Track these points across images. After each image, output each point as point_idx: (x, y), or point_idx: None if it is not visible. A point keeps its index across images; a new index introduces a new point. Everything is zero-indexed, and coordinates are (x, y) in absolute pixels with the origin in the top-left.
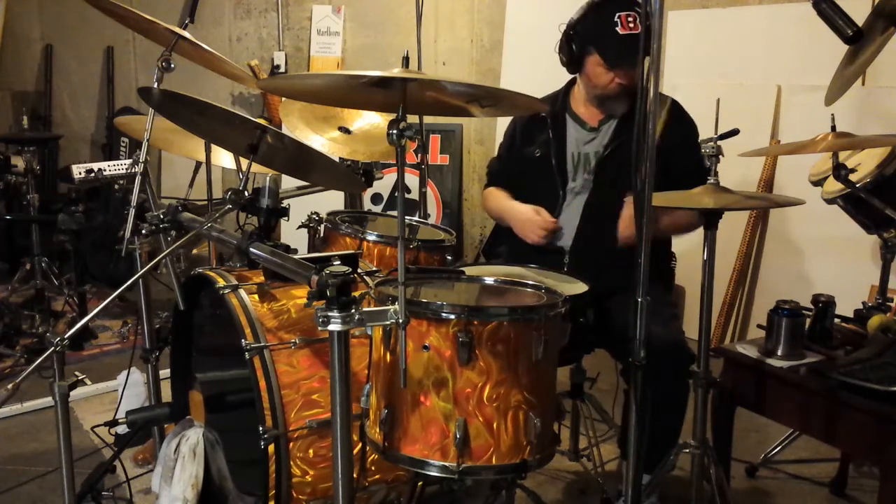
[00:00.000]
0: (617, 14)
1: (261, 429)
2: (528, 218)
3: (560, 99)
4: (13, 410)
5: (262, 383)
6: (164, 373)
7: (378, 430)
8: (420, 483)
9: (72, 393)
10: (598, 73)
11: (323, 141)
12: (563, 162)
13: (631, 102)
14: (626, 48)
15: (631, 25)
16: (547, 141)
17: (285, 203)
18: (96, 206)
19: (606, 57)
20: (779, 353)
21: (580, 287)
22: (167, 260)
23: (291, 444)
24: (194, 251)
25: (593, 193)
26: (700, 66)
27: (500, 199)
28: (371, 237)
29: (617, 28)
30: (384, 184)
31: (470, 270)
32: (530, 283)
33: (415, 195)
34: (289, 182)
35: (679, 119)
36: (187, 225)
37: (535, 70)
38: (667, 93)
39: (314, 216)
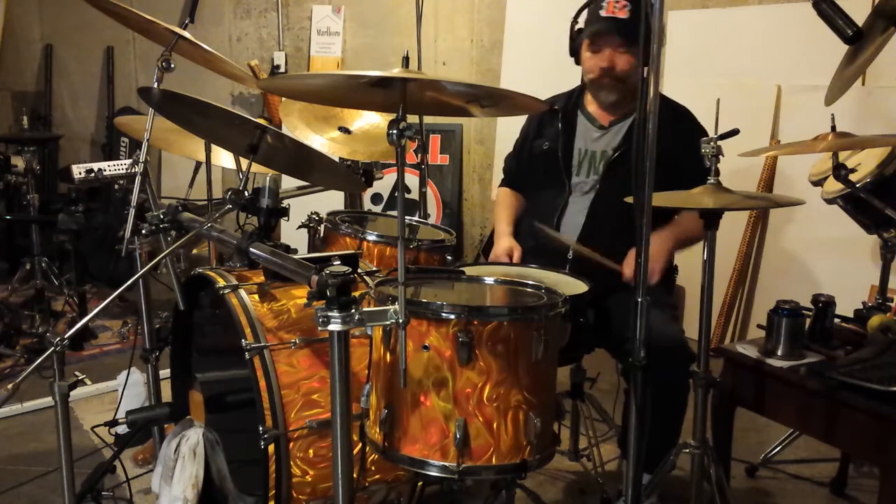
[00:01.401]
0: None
1: (261, 429)
2: (497, 255)
3: (575, 96)
4: (13, 410)
5: (262, 383)
6: (164, 373)
7: (378, 430)
8: (420, 483)
9: (72, 393)
10: (586, 59)
11: (323, 141)
12: (570, 156)
13: (620, 91)
14: (605, 28)
15: (615, 9)
16: (556, 134)
17: (285, 203)
18: (96, 206)
19: (590, 39)
20: (779, 353)
21: (580, 287)
22: (167, 260)
23: (291, 444)
24: (194, 251)
25: (600, 194)
26: (700, 66)
27: (500, 211)
28: (371, 237)
29: (601, 11)
30: (384, 184)
31: (470, 270)
32: (530, 283)
33: (415, 195)
34: (289, 182)
35: (679, 120)
36: (187, 225)
37: (535, 70)
38: (666, 92)
39: (314, 216)
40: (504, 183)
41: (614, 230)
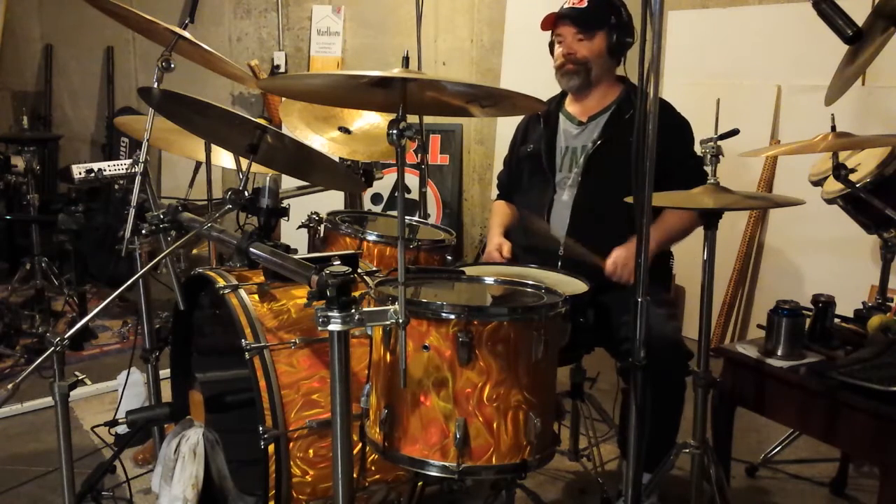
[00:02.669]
0: None
1: (261, 429)
2: (489, 251)
3: (557, 99)
4: (13, 410)
5: (262, 383)
6: (164, 373)
7: (378, 430)
8: (420, 483)
9: (72, 393)
10: (554, 50)
11: (323, 141)
12: (553, 155)
13: (582, 77)
14: (564, 18)
15: (576, 1)
16: (539, 137)
17: (285, 203)
18: (96, 206)
19: (554, 30)
20: (779, 353)
21: (580, 287)
22: (167, 260)
23: (291, 444)
24: (194, 251)
25: (582, 187)
26: (700, 66)
27: (493, 219)
28: (371, 237)
29: (565, 3)
30: (384, 184)
31: (470, 270)
32: (530, 283)
33: (415, 195)
34: (289, 182)
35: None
36: (187, 225)
37: (535, 70)
38: (667, 93)
39: (314, 216)
40: (499, 196)
41: (599, 220)
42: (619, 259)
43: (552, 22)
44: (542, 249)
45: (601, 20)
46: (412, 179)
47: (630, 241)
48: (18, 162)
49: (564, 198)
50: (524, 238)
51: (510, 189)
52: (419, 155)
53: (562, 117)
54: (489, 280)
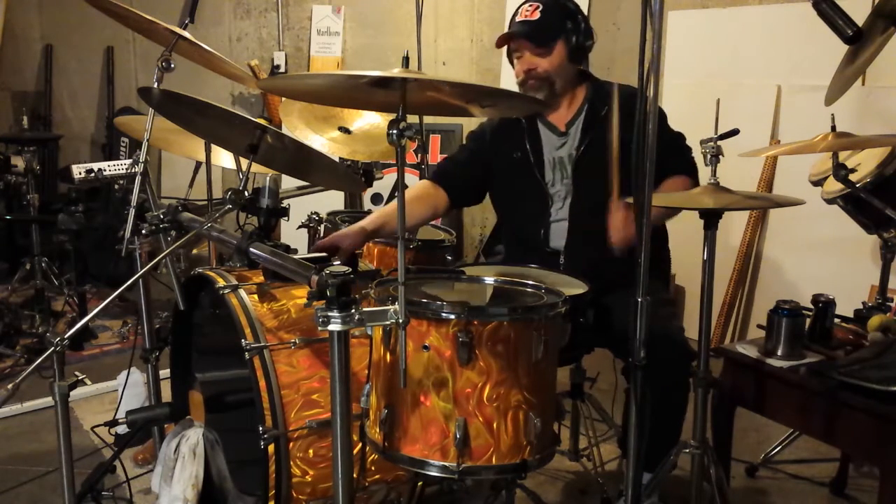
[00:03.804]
0: (522, 4)
1: (261, 429)
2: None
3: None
4: (13, 410)
5: (262, 383)
6: (164, 373)
7: (378, 430)
8: (420, 483)
9: (72, 393)
10: (514, 63)
11: (323, 141)
12: (542, 167)
13: (547, 90)
14: (517, 33)
15: (527, 13)
16: (524, 144)
17: (285, 203)
18: (96, 206)
19: (509, 46)
20: (779, 353)
21: (580, 287)
22: (167, 260)
23: (291, 444)
24: (194, 251)
25: (575, 195)
26: (700, 66)
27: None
28: None
29: (516, 17)
30: (384, 184)
31: (470, 270)
32: (530, 283)
33: None
34: (289, 182)
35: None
36: (187, 225)
37: None
38: (667, 93)
39: (314, 216)
40: (430, 177)
41: (597, 224)
42: (617, 223)
43: (507, 40)
44: (541, 255)
45: (557, 29)
46: (412, 179)
47: (618, 204)
48: (18, 162)
49: (560, 209)
50: (521, 243)
51: (448, 184)
52: (419, 155)
53: (541, 126)
54: (489, 280)
